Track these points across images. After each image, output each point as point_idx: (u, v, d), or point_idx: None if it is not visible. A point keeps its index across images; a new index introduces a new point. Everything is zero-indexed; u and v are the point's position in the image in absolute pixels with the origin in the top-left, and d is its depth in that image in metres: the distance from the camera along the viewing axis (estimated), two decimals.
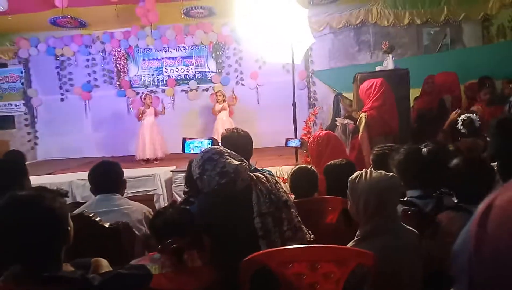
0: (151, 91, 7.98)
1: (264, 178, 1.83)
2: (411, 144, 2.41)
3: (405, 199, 1.85)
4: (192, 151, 2.11)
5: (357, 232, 1.57)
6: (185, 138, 2.15)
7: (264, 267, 1.56)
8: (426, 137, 4.41)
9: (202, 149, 2.12)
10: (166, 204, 4.85)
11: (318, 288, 1.43)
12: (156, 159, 6.62)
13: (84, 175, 4.81)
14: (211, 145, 2.13)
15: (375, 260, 1.36)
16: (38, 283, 1.16)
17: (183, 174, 4.83)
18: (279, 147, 6.28)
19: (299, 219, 1.81)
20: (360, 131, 4.30)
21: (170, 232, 1.66)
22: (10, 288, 1.17)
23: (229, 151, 1.85)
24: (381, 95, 4.41)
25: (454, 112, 3.94)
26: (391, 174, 1.64)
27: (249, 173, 1.83)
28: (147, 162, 6.48)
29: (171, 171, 5.00)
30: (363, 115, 4.37)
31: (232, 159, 1.81)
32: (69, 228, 1.28)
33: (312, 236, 1.80)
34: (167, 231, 1.67)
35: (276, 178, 1.94)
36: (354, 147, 4.34)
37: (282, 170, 4.45)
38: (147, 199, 4.51)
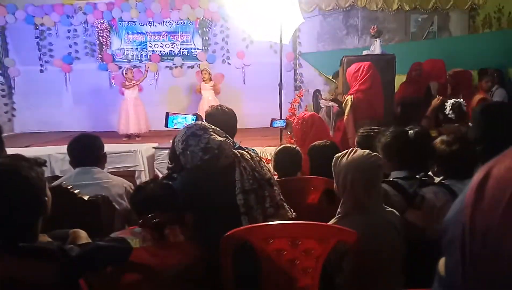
0: (134, 66, 7.81)
1: (248, 156, 1.81)
2: (396, 128, 2.46)
3: (389, 179, 1.87)
4: (175, 127, 2.07)
5: (338, 209, 1.59)
6: (169, 113, 2.11)
7: (245, 243, 1.56)
8: (410, 123, 4.48)
9: (185, 125, 2.09)
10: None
11: (298, 264, 1.44)
12: (138, 135, 6.53)
13: (63, 148, 4.69)
14: (195, 121, 2.09)
15: (357, 237, 1.37)
16: (13, 253, 1.12)
17: (166, 151, 4.83)
18: (264, 128, 6.27)
19: (282, 197, 1.81)
20: (346, 113, 4.31)
21: (151, 207, 1.63)
22: None
23: (213, 127, 1.82)
24: (369, 78, 4.42)
25: (436, 99, 3.99)
26: (374, 153, 1.65)
27: (233, 150, 1.81)
28: (129, 137, 6.38)
29: (153, 147, 4.93)
30: (349, 98, 4.37)
31: (216, 135, 1.78)
32: (46, 199, 1.23)
33: (294, 213, 1.80)
34: (148, 206, 1.64)
35: (259, 156, 1.93)
36: (339, 129, 4.36)
37: (265, 151, 4.45)
38: (128, 175, 4.44)
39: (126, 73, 6.61)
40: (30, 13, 7.47)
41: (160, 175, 4.68)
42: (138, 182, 4.55)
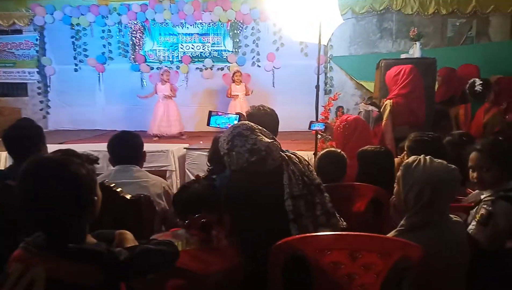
0: (170, 68, 7.86)
1: (296, 159, 1.72)
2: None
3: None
4: (219, 126, 2.00)
5: (402, 222, 1.46)
6: (212, 111, 2.04)
7: (294, 254, 1.46)
8: (443, 130, 4.30)
9: (228, 125, 2.01)
10: (178, 181, 4.81)
11: (356, 280, 1.33)
12: (181, 134, 6.53)
13: (97, 146, 4.82)
14: (238, 121, 2.01)
15: (422, 253, 1.25)
16: (61, 254, 1.07)
17: (198, 152, 4.81)
18: (293, 132, 6.18)
19: (332, 205, 1.70)
20: (384, 118, 4.13)
21: (196, 208, 1.56)
22: (31, 257, 1.08)
23: (260, 128, 1.74)
24: (410, 82, 4.23)
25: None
26: (453, 166, 1.51)
27: (281, 153, 1.72)
28: (160, 137, 6.39)
29: (184, 148, 4.92)
30: (388, 102, 4.19)
31: (263, 136, 1.69)
32: (96, 198, 1.17)
33: (345, 223, 1.69)
34: (193, 207, 1.57)
35: (307, 160, 1.82)
36: (376, 135, 4.18)
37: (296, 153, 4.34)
38: (160, 174, 4.35)
39: (162, 74, 6.64)
40: (67, 13, 7.66)
41: (191, 177, 4.67)
42: (169, 182, 4.53)
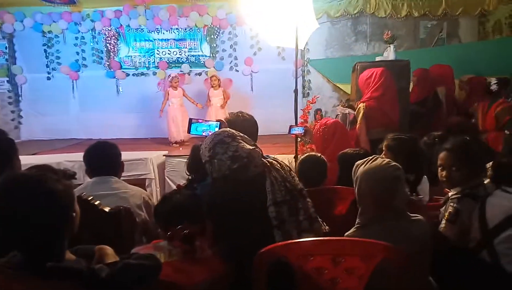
0: (142, 73, 7.76)
1: (278, 165, 1.72)
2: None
3: None
4: (203, 134, 1.98)
5: (357, 219, 1.59)
6: (192, 118, 2.02)
7: (278, 260, 1.46)
8: (419, 130, 4.41)
9: (209, 132, 2.00)
10: (158, 189, 4.74)
11: (339, 284, 1.34)
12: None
13: (72, 156, 4.70)
14: (219, 128, 1.99)
15: (403, 255, 1.27)
16: (40, 274, 1.03)
17: (177, 159, 4.76)
18: (273, 136, 6.19)
19: (314, 210, 1.71)
20: (358, 121, 4.19)
21: (178, 219, 1.54)
22: (7, 278, 1.03)
23: (241, 135, 1.73)
24: (381, 85, 4.32)
25: None
26: (393, 163, 1.61)
27: (263, 159, 1.72)
28: (181, 144, 6.26)
29: (164, 155, 4.85)
30: (361, 105, 4.26)
31: (245, 143, 1.69)
32: (74, 214, 1.14)
33: (327, 227, 1.70)
34: (175, 218, 1.55)
35: (289, 165, 1.83)
36: (352, 138, 4.25)
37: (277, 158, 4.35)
38: (139, 183, 4.32)
39: (171, 80, 6.59)
40: (38, 20, 7.44)
41: (172, 185, 4.61)
42: (148, 190, 4.45)
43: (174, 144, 6.31)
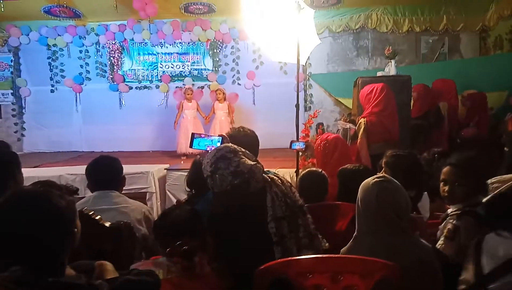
0: (145, 87, 7.83)
1: (279, 181, 1.72)
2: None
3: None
4: (207, 149, 1.99)
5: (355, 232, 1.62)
6: (194, 133, 2.03)
7: (279, 277, 1.45)
8: (420, 145, 4.39)
9: (211, 147, 2.01)
10: (159, 203, 4.73)
11: None
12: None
13: (74, 169, 4.71)
14: (221, 143, 2.01)
15: (401, 272, 1.27)
16: (41, 288, 1.03)
17: (179, 173, 4.75)
18: (275, 149, 6.21)
19: (314, 226, 1.71)
20: (359, 136, 4.19)
21: (178, 234, 1.54)
22: None
23: (243, 150, 1.74)
24: (382, 100, 4.32)
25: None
26: (389, 178, 1.62)
27: (264, 174, 1.72)
28: (188, 156, 6.25)
29: (165, 169, 4.85)
30: (362, 120, 4.27)
31: (246, 159, 1.70)
32: (76, 230, 1.15)
33: (327, 244, 1.70)
34: (175, 233, 1.54)
35: (290, 181, 1.83)
36: (353, 153, 4.24)
37: (278, 173, 4.35)
38: (139, 197, 4.32)
39: (185, 92, 6.67)
40: (43, 34, 7.57)
41: (173, 198, 4.60)
42: (149, 204, 4.45)
43: (182, 157, 6.31)
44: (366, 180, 1.62)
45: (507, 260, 1.30)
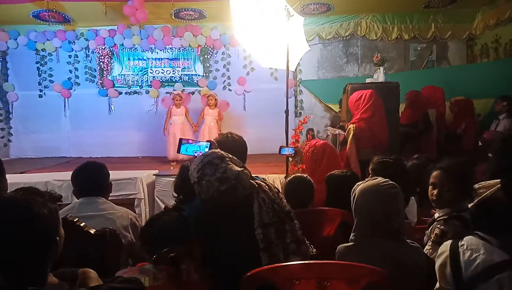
0: (134, 92, 7.79)
1: (266, 187, 1.72)
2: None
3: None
4: (194, 154, 1.98)
5: (351, 236, 1.62)
6: (182, 139, 2.02)
7: (266, 283, 1.44)
8: (409, 152, 4.44)
9: (199, 153, 2.00)
10: (147, 209, 4.68)
11: None
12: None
13: (61, 175, 4.64)
14: (209, 148, 2.00)
15: (388, 278, 1.27)
16: None
17: (167, 179, 4.72)
18: (265, 155, 6.22)
19: (301, 232, 1.70)
20: (348, 142, 4.23)
21: (164, 242, 1.52)
22: None
23: (230, 156, 1.74)
24: (370, 106, 4.37)
25: None
26: (390, 182, 1.62)
27: (251, 180, 1.72)
28: (178, 163, 6.21)
29: (154, 175, 4.81)
30: (351, 126, 4.31)
31: (233, 165, 1.69)
32: (58, 238, 1.12)
33: (314, 250, 1.69)
34: (161, 240, 1.53)
35: (277, 187, 1.83)
36: (342, 159, 4.27)
37: (268, 178, 4.35)
38: (128, 203, 4.29)
39: (174, 98, 6.63)
40: (32, 38, 7.49)
41: (161, 204, 4.56)
42: (137, 210, 4.40)
43: (172, 163, 6.26)
44: (365, 183, 1.62)
45: (487, 266, 1.30)
